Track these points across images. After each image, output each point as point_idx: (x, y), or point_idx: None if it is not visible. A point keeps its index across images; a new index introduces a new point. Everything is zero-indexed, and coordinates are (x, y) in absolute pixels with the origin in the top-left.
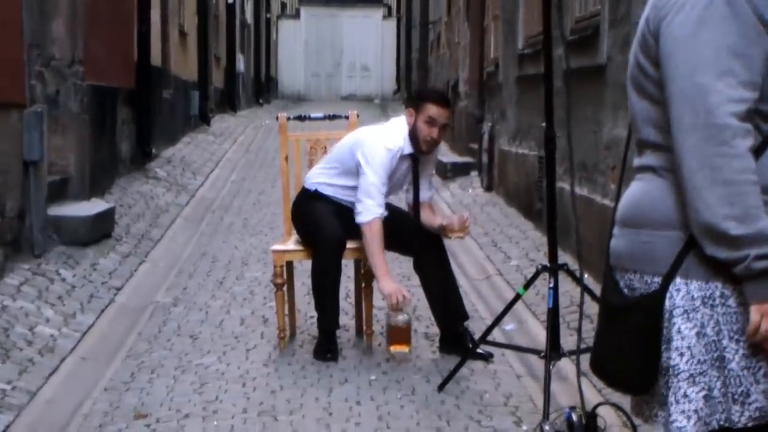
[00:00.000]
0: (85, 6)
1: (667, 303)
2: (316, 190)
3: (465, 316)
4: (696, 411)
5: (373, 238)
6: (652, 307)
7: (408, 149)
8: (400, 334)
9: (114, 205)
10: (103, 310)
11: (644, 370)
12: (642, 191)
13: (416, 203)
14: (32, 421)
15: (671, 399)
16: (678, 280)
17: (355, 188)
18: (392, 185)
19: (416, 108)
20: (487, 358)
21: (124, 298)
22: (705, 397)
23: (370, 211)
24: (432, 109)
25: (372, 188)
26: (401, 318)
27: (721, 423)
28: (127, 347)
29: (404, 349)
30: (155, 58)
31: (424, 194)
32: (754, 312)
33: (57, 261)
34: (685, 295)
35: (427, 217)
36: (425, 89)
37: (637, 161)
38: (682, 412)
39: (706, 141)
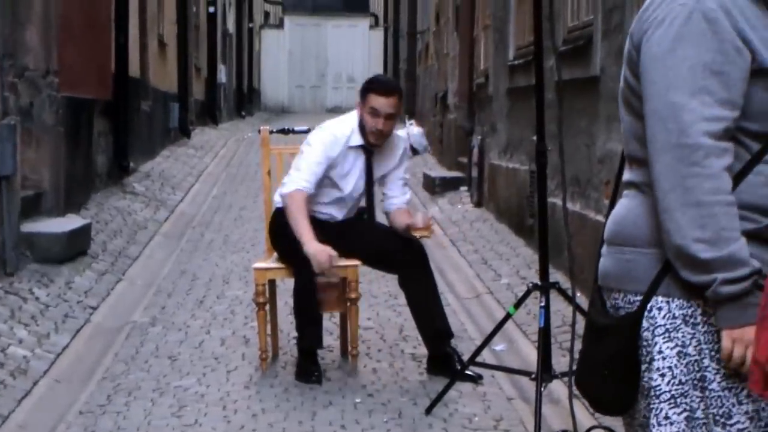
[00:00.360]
0: (59, 14)
1: (649, 323)
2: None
3: (450, 335)
4: None
5: (295, 208)
6: (631, 327)
7: (357, 141)
8: (334, 293)
9: (90, 222)
10: (78, 331)
11: (623, 391)
12: (626, 208)
13: (369, 198)
14: None
15: (653, 421)
16: (660, 298)
17: (338, 194)
18: (343, 177)
19: (361, 99)
20: (476, 379)
21: (100, 318)
22: (687, 418)
23: (293, 182)
24: (375, 100)
25: (303, 163)
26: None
27: None
28: (103, 369)
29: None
30: (133, 68)
31: (399, 198)
32: (725, 338)
33: (30, 279)
34: (667, 313)
35: (401, 220)
36: (369, 79)
37: (624, 176)
38: None
39: (678, 161)
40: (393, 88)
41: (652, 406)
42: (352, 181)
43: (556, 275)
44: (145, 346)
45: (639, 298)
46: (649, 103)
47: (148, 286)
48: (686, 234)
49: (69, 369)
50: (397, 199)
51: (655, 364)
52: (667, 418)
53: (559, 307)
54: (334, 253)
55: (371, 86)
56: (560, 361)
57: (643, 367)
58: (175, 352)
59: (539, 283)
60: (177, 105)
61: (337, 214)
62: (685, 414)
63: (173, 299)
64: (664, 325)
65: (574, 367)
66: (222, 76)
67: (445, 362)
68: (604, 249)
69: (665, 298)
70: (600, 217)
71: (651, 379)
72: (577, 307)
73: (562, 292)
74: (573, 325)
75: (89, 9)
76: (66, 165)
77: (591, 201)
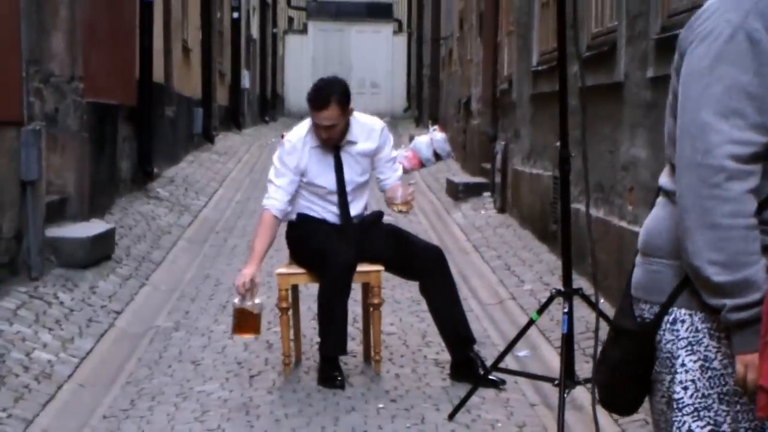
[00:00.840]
0: (85, 21)
1: (673, 335)
2: (299, 218)
3: (473, 341)
4: None
5: (259, 227)
6: (648, 335)
7: (314, 142)
8: (248, 319)
9: (114, 226)
10: (102, 335)
11: (629, 394)
12: (655, 219)
13: (341, 190)
14: None
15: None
16: (683, 311)
17: (318, 192)
18: (318, 176)
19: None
20: (498, 385)
21: (124, 323)
22: None
23: (265, 200)
24: (311, 113)
25: (269, 184)
26: (250, 303)
27: None
28: (127, 373)
29: (252, 336)
30: (158, 74)
31: (391, 177)
32: (738, 363)
33: (55, 284)
34: (690, 326)
35: (388, 195)
36: (308, 93)
37: (660, 179)
38: None
39: (700, 181)
40: (322, 103)
41: (674, 419)
42: (329, 178)
43: (579, 281)
44: (168, 351)
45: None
46: (681, 117)
47: (171, 290)
48: (702, 255)
49: (93, 373)
50: (390, 179)
51: (678, 377)
52: (690, 431)
53: (583, 314)
54: (257, 281)
55: (307, 98)
56: (583, 368)
57: (668, 379)
58: (198, 357)
59: (562, 289)
60: (201, 110)
61: (327, 213)
62: (708, 428)
63: (196, 304)
64: (687, 338)
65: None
66: (245, 81)
67: (468, 367)
68: (638, 259)
69: (688, 311)
70: (624, 224)
71: (674, 392)
72: (600, 314)
73: (585, 298)
74: (596, 331)
75: (114, 15)
76: (90, 170)
77: (615, 207)
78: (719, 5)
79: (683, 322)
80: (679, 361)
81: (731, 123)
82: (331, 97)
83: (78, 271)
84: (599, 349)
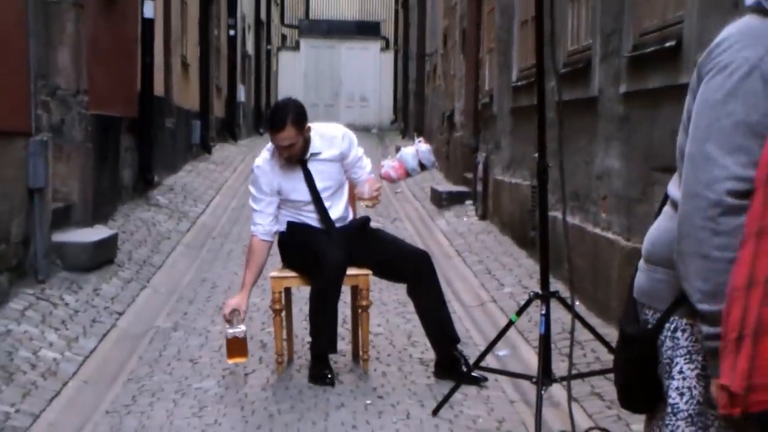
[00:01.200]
0: (89, 37)
1: (673, 342)
2: (289, 225)
3: (457, 340)
4: None
5: (249, 253)
6: (650, 340)
7: (281, 161)
8: (237, 345)
9: (116, 232)
10: (104, 335)
11: (640, 394)
12: (659, 230)
13: (316, 199)
14: None
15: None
16: (684, 321)
17: (296, 203)
18: (293, 191)
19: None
20: (480, 382)
21: (126, 323)
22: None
23: (252, 228)
24: (270, 134)
25: (252, 211)
26: (237, 330)
27: None
28: (128, 371)
29: (242, 360)
30: (158, 88)
31: (363, 175)
32: (713, 386)
33: (60, 286)
34: (690, 336)
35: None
36: (268, 113)
37: (669, 186)
38: None
39: (696, 211)
40: (279, 125)
41: (668, 422)
42: (302, 191)
43: (556, 285)
44: (167, 350)
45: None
46: (690, 145)
47: (170, 293)
48: (690, 281)
49: (96, 371)
50: (361, 177)
51: (675, 383)
52: (691, 419)
53: (559, 315)
54: (243, 309)
55: (264, 122)
56: (560, 366)
57: (666, 384)
58: (196, 356)
59: (540, 292)
60: (199, 122)
61: (311, 221)
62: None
63: (194, 306)
64: (686, 346)
65: (573, 372)
66: (241, 95)
67: (452, 366)
68: (641, 264)
69: (689, 320)
70: (598, 230)
71: (670, 396)
72: (576, 315)
73: (561, 300)
74: (572, 332)
75: (117, 32)
76: (94, 178)
77: (590, 215)
78: (739, 38)
79: (684, 331)
80: (677, 368)
81: (735, 159)
82: (287, 118)
83: (82, 274)
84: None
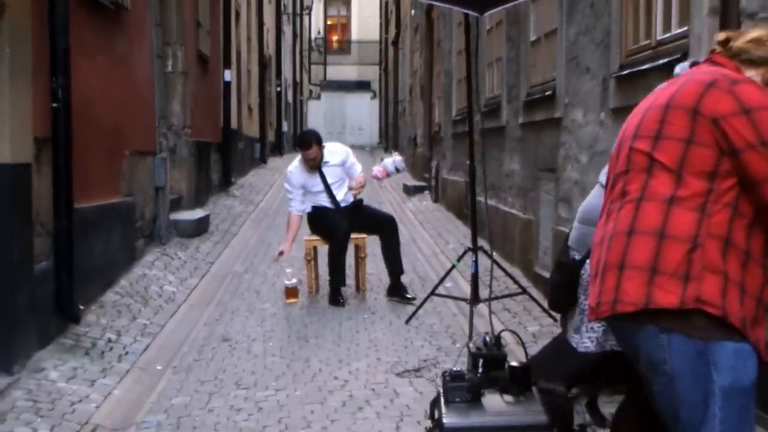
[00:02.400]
0: (191, 92)
1: (587, 272)
2: (313, 208)
3: (401, 272)
4: (597, 338)
5: (288, 223)
6: (575, 269)
7: (304, 168)
8: (291, 291)
9: (209, 213)
10: (202, 276)
11: (562, 302)
12: (590, 203)
13: (327, 188)
14: (161, 344)
15: (583, 328)
16: None
17: (316, 193)
18: (313, 185)
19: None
20: (412, 299)
21: (215, 269)
22: (604, 330)
23: (289, 208)
24: (301, 152)
25: (288, 199)
26: (292, 281)
27: (614, 348)
28: (217, 298)
29: (295, 300)
30: (233, 123)
31: (354, 175)
32: None
33: (175, 246)
34: None
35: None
36: (297, 137)
37: (599, 177)
38: (589, 338)
39: None
40: (306, 145)
41: (584, 318)
42: (319, 183)
43: (481, 242)
44: (241, 286)
45: (581, 257)
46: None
47: (242, 250)
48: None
49: (198, 298)
50: (354, 176)
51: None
52: (592, 329)
53: (483, 261)
54: (286, 251)
55: (296, 143)
56: (484, 293)
57: (581, 297)
58: (260, 289)
59: (471, 246)
60: (259, 144)
61: (324, 202)
62: (603, 327)
63: (257, 258)
64: None
65: (492, 296)
66: (284, 127)
67: (398, 289)
68: (575, 224)
69: None
70: (506, 209)
71: (583, 304)
72: (493, 261)
73: (485, 252)
74: (491, 271)
75: (208, 89)
76: (195, 180)
77: (501, 199)
78: None
79: None
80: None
81: None
82: (312, 141)
83: (188, 239)
84: (494, 285)
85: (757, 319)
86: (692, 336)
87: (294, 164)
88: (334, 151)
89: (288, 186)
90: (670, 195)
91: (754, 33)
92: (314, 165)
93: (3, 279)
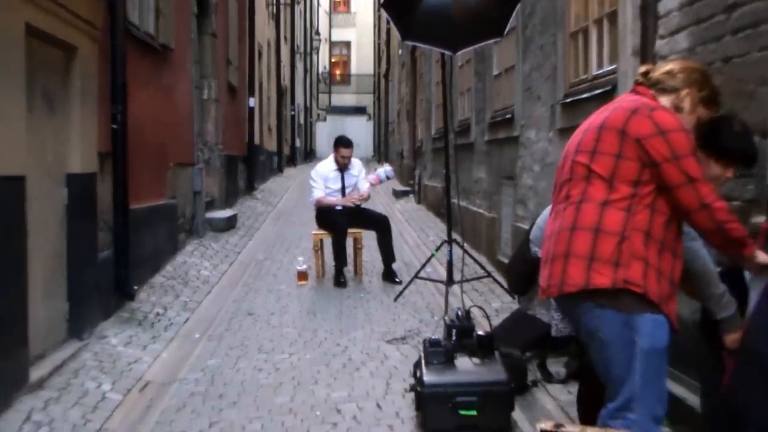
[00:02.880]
0: (223, 116)
1: None
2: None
3: (393, 260)
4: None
5: (324, 200)
6: (532, 263)
7: (334, 167)
8: (302, 275)
9: (237, 212)
10: (231, 263)
11: (521, 286)
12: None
13: (342, 189)
14: (199, 317)
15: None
16: None
17: (332, 191)
18: (333, 183)
19: (335, 148)
20: (399, 282)
21: (241, 257)
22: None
23: (315, 192)
24: (339, 149)
25: (313, 185)
26: (303, 267)
27: (572, 333)
28: (243, 281)
29: (305, 282)
30: (257, 140)
31: (362, 187)
32: None
33: (209, 239)
34: None
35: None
36: (336, 139)
37: None
38: (552, 317)
39: None
40: (346, 145)
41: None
42: (338, 183)
43: (455, 236)
44: (262, 271)
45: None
46: None
47: (263, 242)
48: None
49: (227, 280)
50: (362, 188)
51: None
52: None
53: (456, 251)
54: (342, 202)
55: (337, 143)
56: (457, 276)
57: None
58: (277, 273)
59: (447, 239)
60: (276, 157)
61: (337, 197)
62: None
63: (276, 248)
64: None
65: (464, 279)
66: (298, 143)
67: (390, 275)
68: (537, 224)
69: None
70: (475, 209)
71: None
72: (464, 251)
73: (458, 243)
74: (463, 259)
75: (236, 113)
76: (225, 185)
77: (471, 201)
78: None
79: None
80: None
81: None
82: (351, 143)
83: (220, 233)
84: (466, 270)
85: (670, 296)
86: (620, 310)
87: (323, 163)
88: (356, 164)
89: (315, 176)
90: (604, 198)
91: (668, 66)
92: (344, 163)
93: (75, 265)
